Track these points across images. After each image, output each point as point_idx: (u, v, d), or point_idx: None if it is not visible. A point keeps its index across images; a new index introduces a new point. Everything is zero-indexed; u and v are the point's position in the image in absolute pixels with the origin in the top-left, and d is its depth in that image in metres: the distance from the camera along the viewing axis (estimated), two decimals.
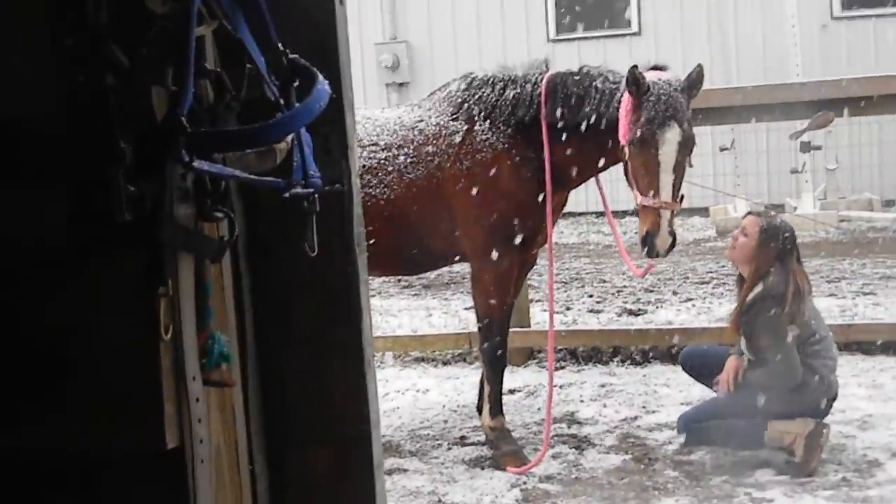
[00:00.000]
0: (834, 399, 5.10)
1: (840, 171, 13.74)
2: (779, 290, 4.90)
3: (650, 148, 4.62)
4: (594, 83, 4.85)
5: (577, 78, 4.93)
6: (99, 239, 1.33)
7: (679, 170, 4.68)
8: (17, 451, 1.39)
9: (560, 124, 4.89)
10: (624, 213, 14.50)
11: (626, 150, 4.67)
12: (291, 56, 1.41)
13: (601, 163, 5.02)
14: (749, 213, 5.19)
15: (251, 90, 1.40)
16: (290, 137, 1.42)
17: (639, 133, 4.60)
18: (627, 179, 4.79)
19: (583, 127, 4.84)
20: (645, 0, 15.22)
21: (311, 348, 1.63)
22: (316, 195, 1.47)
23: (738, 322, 5.09)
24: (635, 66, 4.59)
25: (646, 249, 4.71)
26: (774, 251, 4.99)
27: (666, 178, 4.63)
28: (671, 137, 4.61)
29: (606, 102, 4.78)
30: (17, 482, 1.40)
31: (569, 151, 4.94)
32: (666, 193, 4.64)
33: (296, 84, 1.42)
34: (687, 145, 4.67)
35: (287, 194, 1.41)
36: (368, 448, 1.63)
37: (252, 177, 1.37)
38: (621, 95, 4.72)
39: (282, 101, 1.41)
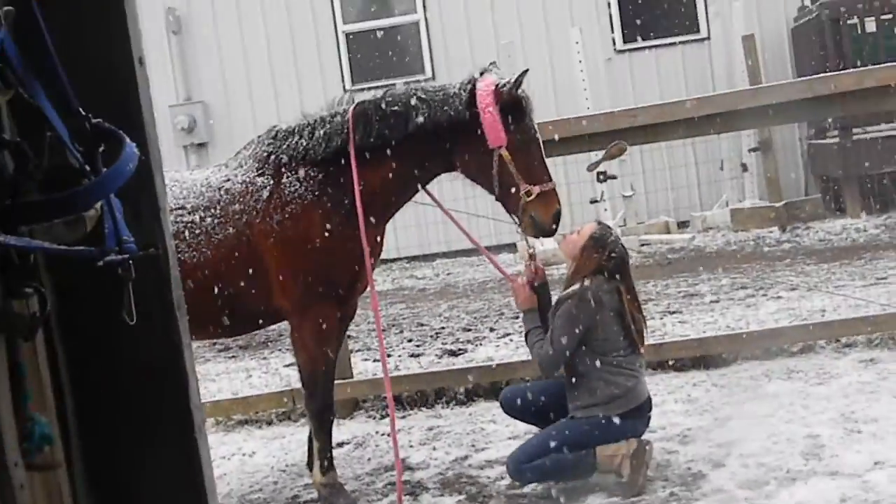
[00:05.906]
0: (649, 411, 5.24)
1: (636, 197, 14.35)
2: (589, 297, 5.04)
3: (532, 142, 4.96)
4: (411, 99, 4.90)
5: (389, 100, 4.95)
6: None
7: None
8: None
9: (374, 149, 4.90)
10: (434, 256, 14.70)
11: (503, 153, 4.84)
12: (95, 120, 1.37)
13: (425, 177, 5.11)
14: (596, 221, 5.56)
15: (54, 157, 1.34)
16: (98, 204, 1.37)
17: (522, 131, 4.93)
18: (498, 182, 4.92)
19: (400, 144, 4.90)
20: (437, 44, 15.45)
21: (137, 420, 1.58)
22: (131, 261, 1.42)
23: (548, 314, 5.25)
24: (523, 73, 4.91)
25: (554, 227, 4.98)
26: (595, 261, 5.14)
27: (547, 161, 5.02)
28: (538, 126, 5.08)
29: (438, 111, 4.87)
30: None
31: (385, 175, 4.95)
32: (551, 173, 5.02)
33: (101, 149, 1.38)
34: None
35: (101, 263, 1.36)
36: None
37: (61, 247, 1.31)
38: (462, 103, 4.88)
39: (87, 167, 1.36)
